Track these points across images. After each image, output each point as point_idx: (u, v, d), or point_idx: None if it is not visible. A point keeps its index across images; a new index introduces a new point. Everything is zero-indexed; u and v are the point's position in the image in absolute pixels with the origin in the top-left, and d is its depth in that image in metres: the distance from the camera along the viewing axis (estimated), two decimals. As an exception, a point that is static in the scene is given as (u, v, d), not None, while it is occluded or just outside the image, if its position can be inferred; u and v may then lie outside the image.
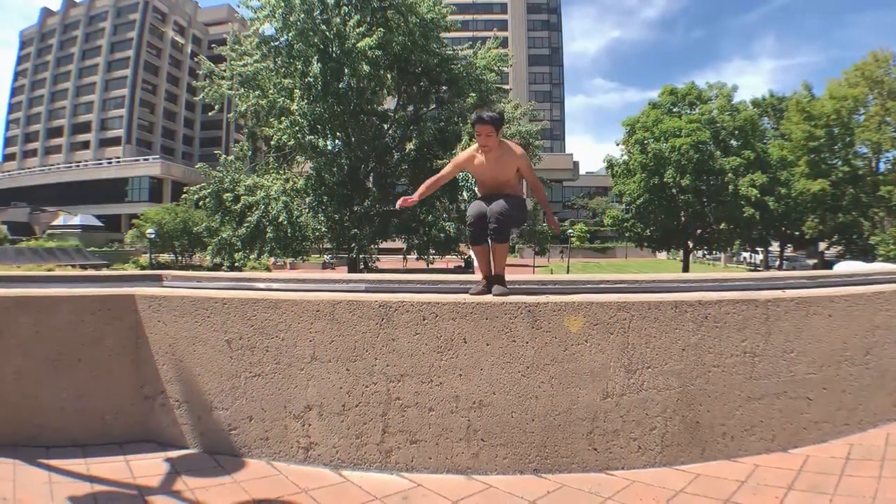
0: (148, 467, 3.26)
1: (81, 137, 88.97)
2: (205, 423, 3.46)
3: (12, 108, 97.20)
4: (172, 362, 3.51)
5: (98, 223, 55.92)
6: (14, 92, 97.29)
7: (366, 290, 3.77)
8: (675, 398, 3.28)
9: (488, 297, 3.40)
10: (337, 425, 3.24)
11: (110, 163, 79.96)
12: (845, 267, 20.74)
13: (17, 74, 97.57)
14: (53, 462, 3.33)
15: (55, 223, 53.89)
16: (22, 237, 48.36)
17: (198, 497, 2.91)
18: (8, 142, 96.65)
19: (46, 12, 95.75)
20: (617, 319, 3.25)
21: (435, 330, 3.22)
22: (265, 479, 3.15)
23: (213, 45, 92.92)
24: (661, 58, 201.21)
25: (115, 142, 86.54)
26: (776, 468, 3.28)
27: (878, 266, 18.45)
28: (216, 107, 20.92)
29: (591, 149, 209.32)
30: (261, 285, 4.42)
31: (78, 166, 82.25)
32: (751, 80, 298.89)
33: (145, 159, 76.92)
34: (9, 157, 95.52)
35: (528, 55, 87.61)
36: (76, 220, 52.10)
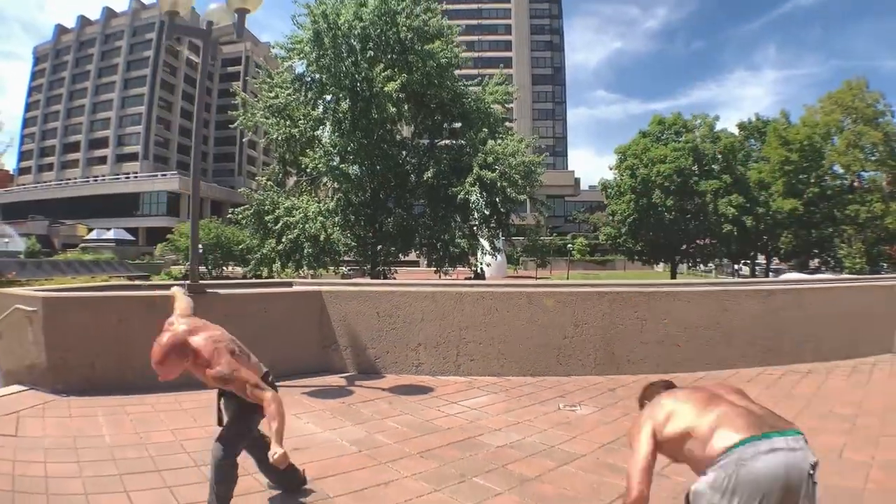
0: (334, 381, 6.25)
1: (98, 153, 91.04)
2: (360, 358, 6.53)
3: (27, 122, 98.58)
4: (343, 326, 6.56)
5: (130, 237, 57.45)
6: (29, 107, 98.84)
7: (444, 287, 6.90)
8: (600, 340, 6.48)
9: (508, 289, 6.60)
10: (433, 353, 6.43)
11: (128, 178, 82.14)
12: (788, 276, 24.15)
13: (32, 90, 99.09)
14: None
15: (89, 237, 55.38)
16: (44, 249, 49.81)
17: (365, 388, 5.98)
18: (23, 156, 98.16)
19: (61, 29, 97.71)
20: (569, 300, 6.46)
21: (483, 304, 6.40)
22: (396, 381, 6.27)
23: (226, 64, 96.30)
24: (663, 69, 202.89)
25: (131, 157, 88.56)
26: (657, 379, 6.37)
27: (817, 276, 21.67)
28: (248, 133, 23.16)
29: (593, 161, 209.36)
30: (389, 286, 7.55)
31: (96, 180, 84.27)
32: (753, 90, 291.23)
33: (164, 175, 79.36)
34: (24, 171, 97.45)
35: (532, 74, 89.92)
36: (110, 235, 54.15)
